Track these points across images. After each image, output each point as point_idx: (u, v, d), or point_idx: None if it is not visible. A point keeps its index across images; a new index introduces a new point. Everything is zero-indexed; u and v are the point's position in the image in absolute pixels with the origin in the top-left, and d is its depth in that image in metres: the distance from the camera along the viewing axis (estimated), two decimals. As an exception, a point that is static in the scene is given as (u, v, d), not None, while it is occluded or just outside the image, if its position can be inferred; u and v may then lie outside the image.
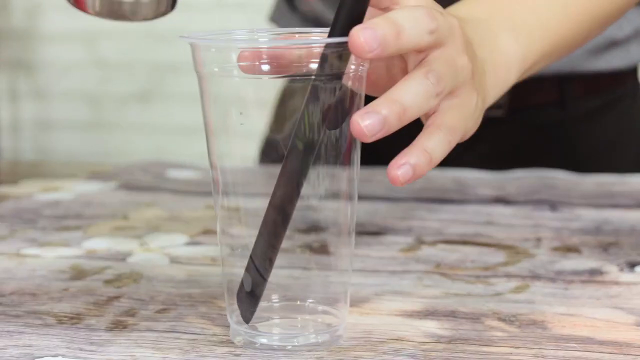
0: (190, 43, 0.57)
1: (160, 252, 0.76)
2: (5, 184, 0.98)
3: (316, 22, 1.07)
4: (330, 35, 0.56)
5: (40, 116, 3.33)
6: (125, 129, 3.29)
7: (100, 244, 0.78)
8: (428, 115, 0.60)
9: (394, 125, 0.55)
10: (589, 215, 0.86)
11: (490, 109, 1.03)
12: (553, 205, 0.89)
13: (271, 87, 0.57)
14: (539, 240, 0.79)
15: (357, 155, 0.58)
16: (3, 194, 0.94)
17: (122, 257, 0.75)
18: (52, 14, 3.19)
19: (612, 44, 1.03)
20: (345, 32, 0.54)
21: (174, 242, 0.79)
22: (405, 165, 0.56)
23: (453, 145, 0.60)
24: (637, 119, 1.08)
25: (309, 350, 0.57)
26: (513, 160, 1.04)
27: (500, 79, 0.69)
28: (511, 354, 0.57)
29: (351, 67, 0.56)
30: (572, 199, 0.91)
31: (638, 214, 0.86)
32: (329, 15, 1.06)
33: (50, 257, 0.75)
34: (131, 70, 3.25)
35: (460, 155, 1.06)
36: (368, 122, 0.54)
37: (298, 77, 0.56)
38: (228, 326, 0.61)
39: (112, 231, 0.82)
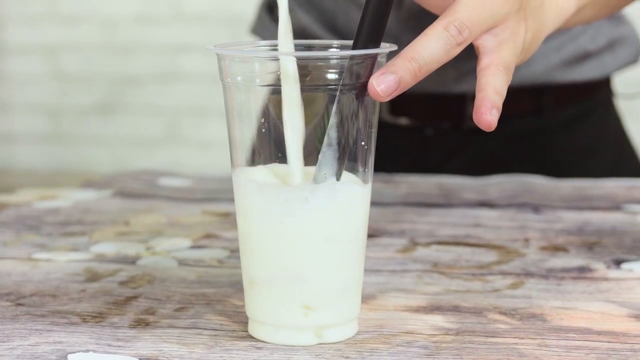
0: (216, 53, 0.61)
1: (167, 255, 0.79)
2: (1, 193, 1.00)
3: (302, 35, 1.10)
4: (355, 44, 0.59)
5: (0, 128, 3.33)
6: (85, 141, 3.30)
7: (107, 248, 0.81)
8: (479, 50, 0.64)
9: (410, 83, 0.60)
10: (570, 217, 0.90)
11: (473, 119, 1.08)
12: (536, 208, 0.93)
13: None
14: (527, 240, 0.83)
15: (371, 159, 0.62)
16: (2, 203, 0.96)
17: (132, 260, 0.78)
18: (13, 28, 3.20)
19: (586, 56, 1.07)
20: (369, 42, 0.59)
21: (179, 246, 0.82)
22: (493, 109, 0.61)
23: (509, 82, 0.64)
24: (610, 127, 1.13)
25: (327, 343, 0.61)
26: (492, 168, 1.08)
27: (558, 8, 0.72)
28: (517, 344, 0.61)
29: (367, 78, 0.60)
30: (552, 202, 0.95)
31: (616, 215, 0.91)
32: (315, 28, 1.09)
33: (62, 260, 0.78)
34: (91, 82, 3.26)
35: (443, 164, 1.11)
36: (383, 87, 0.59)
37: (319, 87, 0.60)
38: (246, 322, 0.64)
39: (116, 236, 0.85)
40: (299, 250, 0.60)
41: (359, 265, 0.63)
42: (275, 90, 0.60)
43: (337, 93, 0.59)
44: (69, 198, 0.98)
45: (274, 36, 1.17)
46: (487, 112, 0.61)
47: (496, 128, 1.07)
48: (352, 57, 0.59)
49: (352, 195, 0.61)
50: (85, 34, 3.20)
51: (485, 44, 0.64)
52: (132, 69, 3.22)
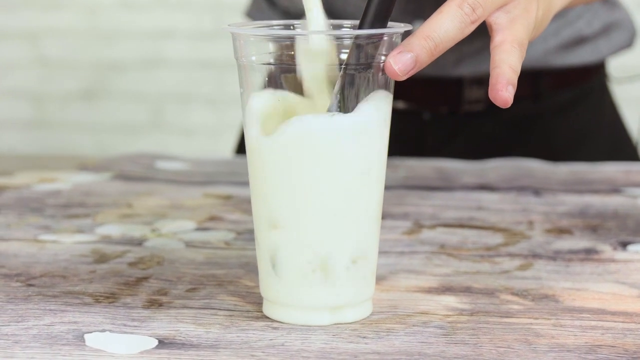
0: (231, 33, 0.60)
1: (173, 237, 0.79)
2: (0, 175, 0.99)
3: (298, 17, 1.10)
4: (362, 22, 0.60)
5: (-18, 114, 3.31)
6: (69, 127, 3.29)
7: (113, 230, 0.81)
8: (492, 27, 0.64)
9: (426, 62, 0.60)
10: (571, 201, 0.91)
11: (471, 103, 1.08)
12: (536, 191, 0.93)
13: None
14: (531, 223, 0.84)
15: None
16: (1, 185, 0.95)
17: (138, 242, 0.78)
18: (-5, 12, 3.17)
19: (582, 40, 1.08)
20: (378, 20, 0.59)
21: (184, 228, 0.82)
22: (509, 85, 0.61)
23: (523, 58, 0.64)
24: (606, 110, 1.13)
25: (343, 323, 0.61)
26: (490, 151, 1.08)
27: None
28: (532, 324, 0.61)
29: (381, 57, 0.60)
30: (552, 186, 0.96)
31: (617, 198, 0.91)
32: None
33: (68, 242, 0.78)
34: (74, 68, 3.24)
35: (439, 148, 1.11)
36: (400, 65, 0.59)
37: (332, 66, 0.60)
38: (260, 303, 0.64)
39: (120, 218, 0.84)
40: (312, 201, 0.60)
41: (374, 229, 0.62)
42: (289, 69, 0.60)
43: (341, 72, 0.59)
44: (68, 181, 0.97)
45: (269, 19, 1.17)
46: (504, 89, 0.61)
47: (493, 112, 1.09)
48: (358, 37, 0.59)
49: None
50: (68, 19, 3.18)
51: (498, 21, 0.64)
52: (115, 55, 3.20)
